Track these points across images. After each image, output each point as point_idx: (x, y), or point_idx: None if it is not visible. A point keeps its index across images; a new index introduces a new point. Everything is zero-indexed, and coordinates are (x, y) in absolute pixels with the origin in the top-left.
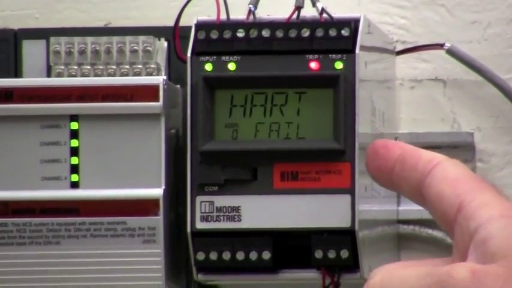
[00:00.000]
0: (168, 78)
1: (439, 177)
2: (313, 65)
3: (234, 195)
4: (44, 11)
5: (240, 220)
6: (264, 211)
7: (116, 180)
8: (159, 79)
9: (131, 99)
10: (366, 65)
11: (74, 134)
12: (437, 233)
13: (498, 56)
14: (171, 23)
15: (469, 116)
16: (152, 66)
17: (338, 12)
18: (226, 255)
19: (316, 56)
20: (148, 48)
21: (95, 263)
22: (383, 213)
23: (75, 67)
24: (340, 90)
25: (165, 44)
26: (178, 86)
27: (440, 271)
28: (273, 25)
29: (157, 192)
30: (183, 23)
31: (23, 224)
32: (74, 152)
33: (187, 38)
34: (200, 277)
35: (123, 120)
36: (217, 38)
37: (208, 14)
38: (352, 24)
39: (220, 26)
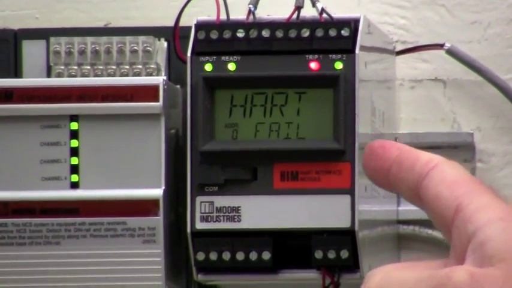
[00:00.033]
0: (168, 79)
1: (436, 179)
2: (313, 65)
3: (234, 195)
4: (44, 11)
5: (240, 220)
6: (264, 211)
7: (116, 181)
8: (159, 79)
9: (131, 100)
10: (366, 65)
11: (74, 134)
12: (437, 233)
13: (498, 56)
14: (171, 23)
15: (469, 116)
16: (152, 66)
17: (338, 12)
18: (226, 256)
19: (316, 56)
20: (148, 48)
21: (95, 263)
22: (383, 213)
23: (75, 67)
24: (340, 90)
25: (165, 44)
26: (178, 86)
27: (439, 274)
28: (273, 25)
29: (157, 192)
30: (183, 23)
31: (23, 224)
32: (74, 152)
33: (187, 38)
34: (200, 277)
35: (123, 120)
36: (217, 38)
37: (208, 14)
38: (352, 24)
39: (220, 26)
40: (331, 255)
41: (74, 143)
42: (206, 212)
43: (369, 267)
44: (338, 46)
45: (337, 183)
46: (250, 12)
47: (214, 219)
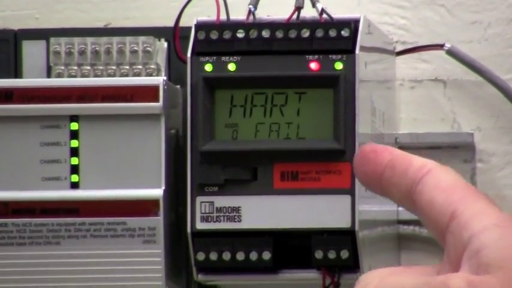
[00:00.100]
0: (168, 79)
1: (430, 185)
2: (313, 65)
3: (234, 195)
4: (44, 12)
5: (240, 220)
6: (264, 211)
7: (116, 181)
8: (159, 79)
9: (131, 100)
10: (366, 65)
11: (74, 135)
12: None
13: (498, 56)
14: (171, 23)
15: (469, 116)
16: (152, 66)
17: (338, 12)
18: (227, 256)
19: (316, 56)
20: (148, 48)
21: (95, 263)
22: (383, 213)
23: (75, 67)
24: (340, 91)
25: (165, 44)
26: (178, 86)
27: (435, 281)
28: (273, 25)
29: (158, 192)
30: (183, 23)
31: (23, 224)
32: (74, 152)
33: (187, 38)
34: (200, 277)
35: (123, 120)
36: (217, 38)
37: (208, 15)
38: (352, 24)
39: (220, 26)
40: (332, 255)
41: (74, 143)
42: (206, 212)
43: (369, 267)
44: (338, 46)
45: (337, 183)
46: (250, 12)
47: (215, 219)
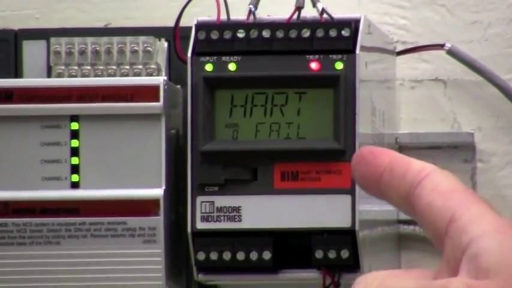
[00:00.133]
0: (169, 79)
1: (429, 188)
2: (314, 65)
3: (235, 195)
4: (44, 11)
5: (240, 220)
6: (264, 211)
7: (116, 181)
8: (160, 79)
9: (131, 100)
10: (366, 65)
11: (75, 134)
12: None
13: (498, 56)
14: (171, 23)
15: (470, 116)
16: (152, 66)
17: (338, 12)
18: (227, 255)
19: (317, 56)
20: (149, 48)
21: (95, 263)
22: (383, 213)
23: (76, 67)
24: (340, 91)
25: (166, 44)
26: (178, 86)
27: (435, 285)
28: (273, 25)
29: (158, 192)
30: (183, 23)
31: (23, 224)
32: (75, 152)
33: (188, 38)
34: (200, 277)
35: (123, 120)
36: (217, 38)
37: (209, 15)
38: (353, 24)
39: (221, 26)
40: (332, 255)
41: (75, 143)
42: (206, 211)
43: (369, 266)
44: (338, 46)
45: (337, 183)
46: (250, 12)
47: (215, 219)
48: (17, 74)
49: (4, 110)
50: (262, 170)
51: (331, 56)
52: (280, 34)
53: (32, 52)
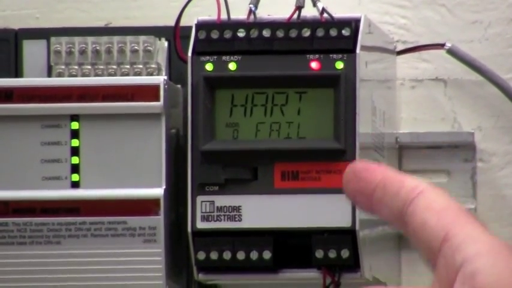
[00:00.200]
0: (169, 78)
1: (422, 206)
2: (314, 64)
3: (235, 194)
4: (45, 11)
5: (240, 220)
6: (264, 211)
7: (117, 180)
8: (160, 79)
9: (132, 99)
10: (367, 65)
11: (75, 134)
12: None
13: (499, 55)
14: (171, 22)
15: (470, 115)
16: (153, 66)
17: (339, 12)
18: (227, 255)
19: (317, 55)
20: (149, 48)
21: (96, 262)
22: None
23: (76, 67)
24: (340, 90)
25: (166, 43)
26: (178, 85)
27: None
28: (273, 25)
29: (158, 191)
30: (183, 22)
31: (23, 224)
32: (75, 151)
33: (188, 37)
34: (201, 277)
35: (123, 120)
36: (217, 37)
37: (209, 14)
38: (353, 24)
39: (221, 25)
40: (332, 254)
41: (75, 142)
42: (207, 211)
43: (369, 266)
44: (339, 46)
45: (337, 182)
46: (251, 12)
47: (215, 219)
48: (17, 73)
49: (4, 110)
50: (263, 169)
51: (331, 55)
52: (280, 34)
53: (32, 52)
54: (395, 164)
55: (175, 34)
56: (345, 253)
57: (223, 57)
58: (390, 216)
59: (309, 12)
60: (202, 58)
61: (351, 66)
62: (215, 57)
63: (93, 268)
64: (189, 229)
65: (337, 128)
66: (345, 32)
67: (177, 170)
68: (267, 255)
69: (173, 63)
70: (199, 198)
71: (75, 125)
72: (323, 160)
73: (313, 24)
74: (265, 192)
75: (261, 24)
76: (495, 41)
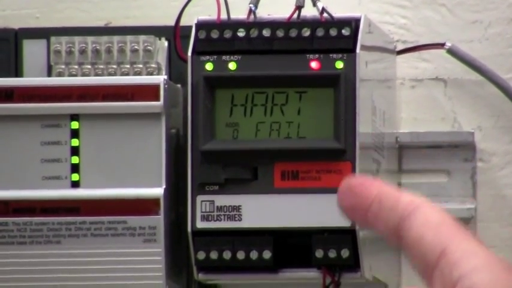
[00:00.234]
0: (169, 78)
1: (419, 221)
2: (314, 64)
3: (235, 194)
4: (45, 11)
5: (240, 219)
6: (264, 210)
7: (117, 180)
8: (160, 78)
9: (132, 99)
10: (367, 65)
11: (75, 134)
12: None
13: (499, 55)
14: (171, 22)
15: (470, 115)
16: (153, 65)
17: (338, 11)
18: (227, 255)
19: (317, 55)
20: (149, 47)
21: (96, 262)
22: None
23: (76, 66)
24: (340, 90)
25: (166, 43)
26: (178, 85)
27: None
28: (273, 25)
29: (158, 191)
30: (183, 22)
31: (23, 224)
32: (75, 151)
33: (188, 37)
34: (201, 276)
35: (123, 119)
36: (217, 37)
37: (209, 14)
38: (353, 23)
39: (221, 25)
40: (332, 254)
41: (75, 142)
42: (207, 211)
43: (369, 266)
44: (339, 45)
45: (337, 182)
46: (250, 11)
47: (215, 219)
48: (17, 73)
49: (4, 109)
50: (263, 169)
51: (331, 55)
52: (280, 33)
53: (32, 51)
54: (395, 164)
55: (175, 34)
56: (345, 253)
57: (223, 57)
58: (386, 231)
59: (309, 12)
60: (202, 58)
61: (351, 66)
62: (215, 56)
63: (93, 268)
64: (189, 229)
65: (337, 127)
66: (345, 32)
67: (177, 169)
68: (267, 255)
69: (173, 62)
70: (199, 198)
71: (75, 125)
72: (323, 160)
73: (313, 23)
74: (265, 192)
75: (261, 24)
76: (495, 40)
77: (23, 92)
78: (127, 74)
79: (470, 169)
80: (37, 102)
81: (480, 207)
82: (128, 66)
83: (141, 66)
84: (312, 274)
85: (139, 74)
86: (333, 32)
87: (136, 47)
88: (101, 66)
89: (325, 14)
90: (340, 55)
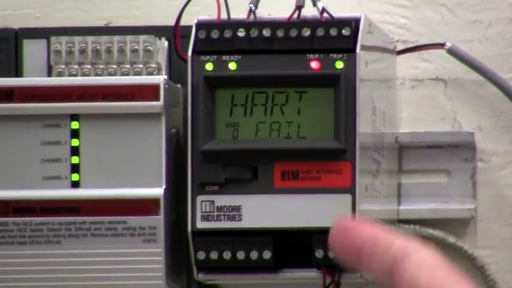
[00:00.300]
0: (169, 78)
1: (414, 265)
2: (314, 64)
3: (235, 194)
4: (45, 11)
5: (240, 219)
6: (264, 210)
7: (117, 180)
8: (160, 78)
9: (132, 99)
10: (367, 65)
11: (75, 134)
12: (439, 233)
13: (499, 55)
14: (171, 22)
15: (470, 115)
16: (153, 65)
17: (339, 11)
18: (227, 255)
19: (317, 55)
20: (149, 47)
21: (96, 262)
22: (384, 212)
23: (76, 66)
24: (340, 90)
25: (166, 43)
26: (179, 85)
27: None
28: (273, 24)
29: (158, 191)
30: (183, 22)
31: (23, 224)
32: (75, 151)
33: (188, 37)
34: (201, 276)
35: (123, 119)
36: (217, 37)
37: (209, 14)
38: (353, 23)
39: (221, 25)
40: (332, 254)
41: (75, 142)
42: (207, 211)
43: None
44: (339, 45)
45: (337, 182)
46: (251, 11)
47: (215, 219)
48: (18, 73)
49: (4, 109)
50: (263, 169)
51: (331, 55)
52: (280, 33)
53: (33, 51)
54: (396, 164)
55: (175, 33)
56: None
57: (223, 57)
58: (379, 273)
59: (309, 11)
60: (202, 58)
61: (351, 65)
62: (215, 56)
63: (93, 268)
64: (189, 229)
65: (337, 127)
66: (345, 32)
67: (177, 169)
68: (267, 255)
69: (173, 62)
70: (199, 198)
71: (75, 125)
72: (323, 160)
73: (313, 23)
74: (265, 192)
75: (261, 24)
76: (495, 40)
77: (23, 92)
78: (127, 74)
79: (470, 169)
80: (37, 102)
81: (480, 207)
82: (128, 66)
83: (141, 66)
84: (312, 274)
85: (139, 74)
86: (333, 32)
87: (136, 47)
88: (101, 66)
89: (325, 14)
90: (340, 55)
